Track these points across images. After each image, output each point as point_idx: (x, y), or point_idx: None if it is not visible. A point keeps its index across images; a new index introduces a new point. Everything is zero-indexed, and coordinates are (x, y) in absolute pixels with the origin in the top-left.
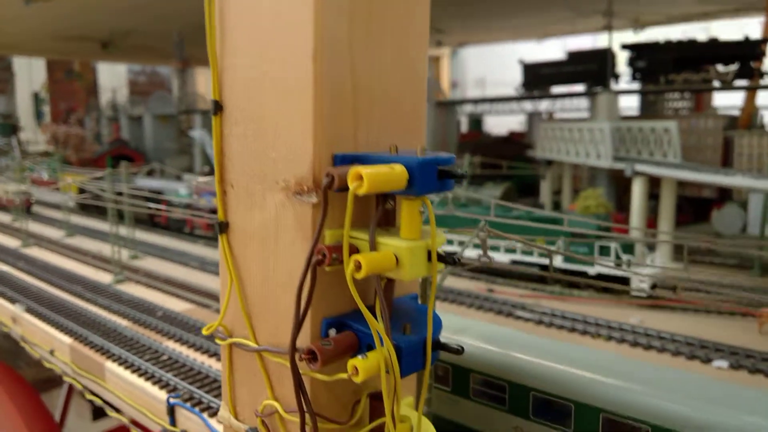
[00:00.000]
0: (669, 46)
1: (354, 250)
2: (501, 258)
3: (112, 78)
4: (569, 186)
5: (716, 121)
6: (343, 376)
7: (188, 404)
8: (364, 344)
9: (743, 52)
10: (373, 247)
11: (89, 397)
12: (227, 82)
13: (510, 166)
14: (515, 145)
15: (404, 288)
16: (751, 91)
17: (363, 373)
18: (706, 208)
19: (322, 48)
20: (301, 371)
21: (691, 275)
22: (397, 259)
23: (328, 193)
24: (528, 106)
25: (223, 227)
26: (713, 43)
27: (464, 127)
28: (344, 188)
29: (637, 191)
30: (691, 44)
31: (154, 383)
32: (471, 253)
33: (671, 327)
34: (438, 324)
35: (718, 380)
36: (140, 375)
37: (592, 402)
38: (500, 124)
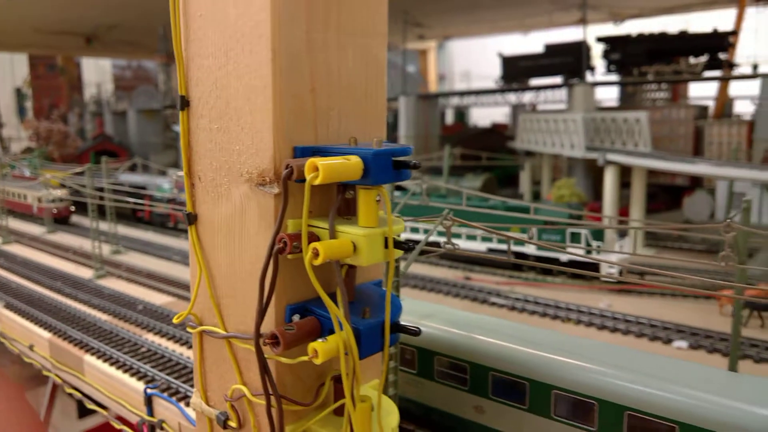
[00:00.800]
0: (641, 38)
1: (315, 238)
2: (478, 246)
3: (97, 73)
4: (548, 176)
5: (687, 112)
6: (305, 358)
7: (165, 394)
8: (326, 329)
9: (712, 44)
10: (333, 235)
11: (69, 390)
12: (194, 79)
13: (490, 157)
14: (498, 136)
15: (370, 275)
16: (724, 81)
17: (322, 354)
18: (679, 195)
19: (280, 53)
20: (266, 356)
21: (657, 260)
22: (354, 246)
23: (289, 184)
24: (512, 98)
25: (192, 218)
26: (683, 35)
27: (451, 119)
28: (303, 179)
29: (609, 180)
30: (663, 37)
31: (132, 375)
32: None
33: (637, 310)
34: (397, 307)
35: (666, 357)
36: (118, 367)
37: (545, 379)
38: (487, 116)
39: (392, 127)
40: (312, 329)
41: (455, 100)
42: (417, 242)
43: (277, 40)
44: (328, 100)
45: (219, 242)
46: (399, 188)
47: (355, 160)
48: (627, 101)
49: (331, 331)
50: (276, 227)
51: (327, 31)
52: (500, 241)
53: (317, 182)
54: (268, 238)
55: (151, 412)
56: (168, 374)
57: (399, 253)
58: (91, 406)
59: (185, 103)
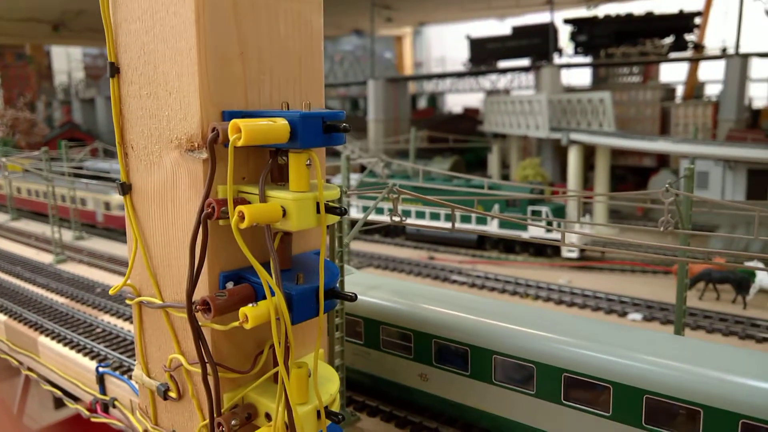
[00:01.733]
0: (608, 20)
1: (245, 203)
2: (442, 226)
3: (68, 62)
4: (516, 158)
5: (654, 93)
6: (236, 324)
7: (117, 372)
8: (260, 295)
9: (677, 26)
10: (263, 199)
11: (25, 372)
12: (123, 45)
13: (458, 140)
14: (469, 121)
15: (309, 245)
16: (694, 64)
17: (252, 320)
18: (647, 177)
19: (204, 15)
20: (200, 323)
21: (617, 237)
22: (284, 210)
23: (218, 149)
24: (487, 84)
25: (126, 189)
26: (649, 16)
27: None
28: None
29: (573, 159)
30: (629, 18)
31: (86, 354)
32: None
33: (596, 285)
34: (333, 274)
35: (604, 322)
36: (72, 347)
37: (485, 345)
38: (462, 102)
39: (364, 112)
40: (245, 296)
41: (430, 87)
42: (343, 207)
43: (201, 5)
44: (259, 64)
45: (153, 211)
46: (363, 168)
47: (281, 123)
48: (599, 84)
49: (265, 298)
50: (204, 192)
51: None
52: (463, 220)
53: (240, 144)
54: (199, 204)
55: (103, 391)
56: (121, 353)
57: (333, 218)
58: (47, 387)
59: (115, 70)
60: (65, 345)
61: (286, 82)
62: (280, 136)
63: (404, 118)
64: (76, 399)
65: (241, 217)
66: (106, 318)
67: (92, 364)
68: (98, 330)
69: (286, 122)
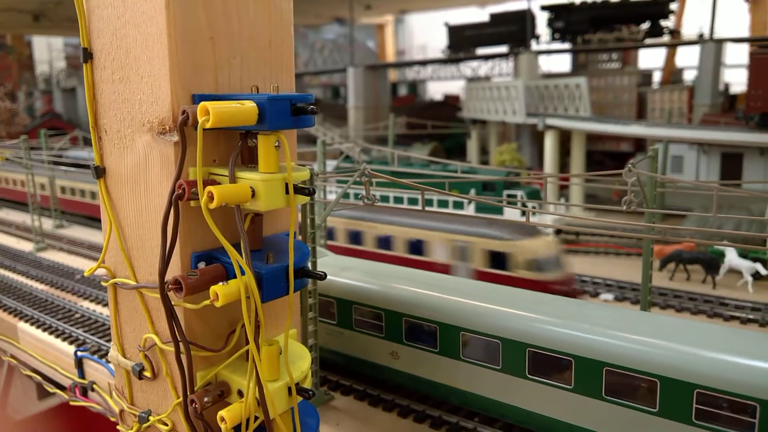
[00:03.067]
0: (584, 6)
1: (216, 185)
2: (413, 208)
3: (49, 52)
4: (495, 143)
5: (630, 78)
6: (207, 302)
7: (96, 356)
8: (231, 275)
9: (653, 12)
10: (233, 180)
11: (6, 358)
12: (96, 30)
13: (437, 126)
14: (449, 107)
15: (282, 227)
16: (671, 49)
17: (223, 297)
18: (624, 161)
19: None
20: (173, 303)
21: (592, 219)
22: (253, 191)
23: (189, 132)
24: (468, 71)
25: (100, 172)
26: (626, 2)
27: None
28: None
29: (549, 144)
30: (605, 4)
31: (65, 339)
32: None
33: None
34: (304, 253)
35: (569, 299)
36: (51, 333)
37: (453, 322)
38: (444, 90)
39: (345, 100)
40: (216, 275)
41: (411, 74)
42: (311, 187)
43: None
44: (229, 48)
45: (126, 194)
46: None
47: (249, 105)
48: (579, 71)
49: (236, 277)
50: (176, 174)
51: None
52: (440, 205)
53: (209, 126)
54: (170, 186)
55: (82, 375)
56: (100, 337)
57: (302, 199)
58: (27, 372)
59: (88, 55)
60: (45, 330)
61: (256, 66)
62: (248, 118)
63: (384, 105)
64: (57, 385)
65: (211, 198)
66: (85, 304)
67: (71, 349)
68: (77, 315)
69: (255, 105)
